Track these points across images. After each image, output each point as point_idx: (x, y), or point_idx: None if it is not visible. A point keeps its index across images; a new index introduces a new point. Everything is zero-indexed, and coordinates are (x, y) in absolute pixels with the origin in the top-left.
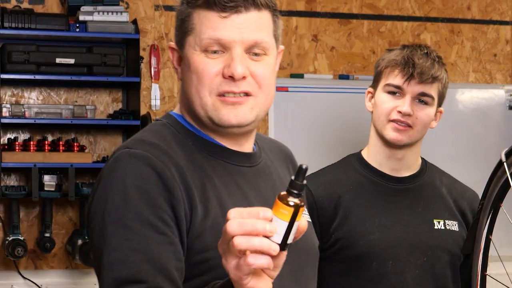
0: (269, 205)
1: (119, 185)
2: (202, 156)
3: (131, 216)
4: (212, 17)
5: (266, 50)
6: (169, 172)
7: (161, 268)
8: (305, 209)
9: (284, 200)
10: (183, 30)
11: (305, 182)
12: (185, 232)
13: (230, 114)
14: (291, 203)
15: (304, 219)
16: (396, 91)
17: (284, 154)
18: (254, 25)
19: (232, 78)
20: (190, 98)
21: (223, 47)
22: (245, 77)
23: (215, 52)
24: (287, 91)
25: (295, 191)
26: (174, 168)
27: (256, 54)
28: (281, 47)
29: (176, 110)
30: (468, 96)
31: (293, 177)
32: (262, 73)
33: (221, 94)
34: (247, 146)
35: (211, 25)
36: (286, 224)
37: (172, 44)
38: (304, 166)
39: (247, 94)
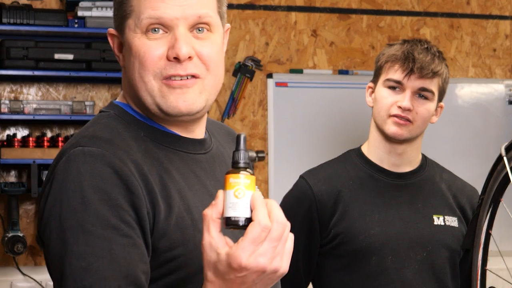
0: None
1: (76, 187)
2: (156, 147)
3: (91, 220)
4: None
5: (211, 26)
6: (128, 170)
7: (127, 273)
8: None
9: (234, 173)
10: (122, 13)
11: (247, 151)
12: (149, 232)
13: (178, 100)
14: (242, 174)
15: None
16: (396, 86)
17: (231, 136)
18: (194, 1)
19: (177, 59)
20: (135, 85)
21: (165, 27)
22: (191, 57)
23: (156, 31)
24: (287, 86)
25: (241, 161)
26: (132, 164)
27: (200, 30)
28: (227, 25)
29: (120, 99)
30: (467, 91)
31: (234, 150)
32: (209, 52)
33: (167, 78)
34: (198, 132)
35: (150, 4)
36: (250, 194)
37: (112, 30)
38: (242, 135)
39: (194, 77)
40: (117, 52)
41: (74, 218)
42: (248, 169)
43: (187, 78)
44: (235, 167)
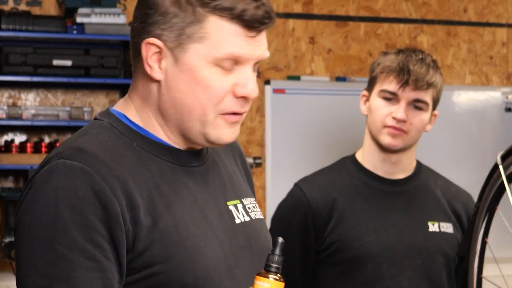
0: (219, 206)
1: (50, 201)
2: (149, 158)
3: (60, 239)
4: (238, 33)
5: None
6: (108, 187)
7: None
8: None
9: (264, 276)
10: (187, 33)
11: (282, 256)
12: (125, 252)
13: (229, 134)
14: (271, 279)
15: None
16: (391, 97)
17: (230, 145)
18: (265, 42)
19: (245, 98)
20: (184, 109)
21: (236, 63)
22: None
23: (228, 65)
24: (284, 93)
25: (274, 265)
26: (115, 180)
27: (253, 70)
28: None
29: (119, 107)
30: (464, 98)
31: (270, 252)
32: (257, 89)
33: (226, 113)
34: (197, 145)
35: (235, 41)
36: None
37: (154, 40)
38: (280, 240)
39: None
40: (151, 62)
41: (43, 233)
42: (278, 274)
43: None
44: (266, 270)
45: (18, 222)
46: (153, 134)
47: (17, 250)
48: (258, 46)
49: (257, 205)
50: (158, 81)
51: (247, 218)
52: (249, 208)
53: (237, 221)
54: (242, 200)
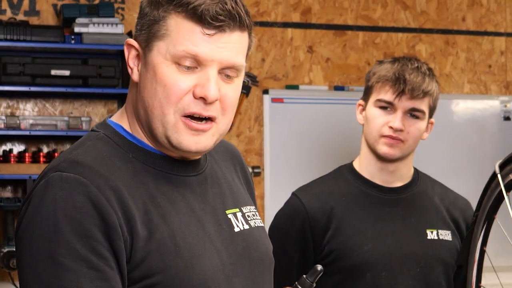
0: (217, 215)
1: (49, 214)
2: (144, 169)
3: (62, 250)
4: (193, 30)
5: (239, 73)
6: (105, 199)
7: None
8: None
9: None
10: (152, 31)
11: (314, 284)
12: (125, 262)
13: (191, 141)
14: None
15: None
16: (387, 106)
17: (230, 153)
18: (234, 47)
19: (203, 99)
20: (149, 109)
21: (198, 63)
22: (216, 100)
23: (187, 65)
24: (283, 102)
25: None
26: (111, 191)
27: (228, 76)
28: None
29: (117, 116)
30: (463, 107)
31: (305, 276)
32: (231, 97)
33: (187, 116)
34: (192, 154)
35: (191, 38)
36: None
37: (131, 41)
38: (319, 268)
39: (210, 119)
40: (132, 64)
41: (45, 246)
42: None
43: (205, 121)
44: None
45: (20, 238)
46: (148, 145)
47: (20, 266)
48: (222, 48)
49: (257, 213)
50: (136, 83)
51: (247, 226)
52: (248, 216)
53: (236, 229)
54: (242, 208)
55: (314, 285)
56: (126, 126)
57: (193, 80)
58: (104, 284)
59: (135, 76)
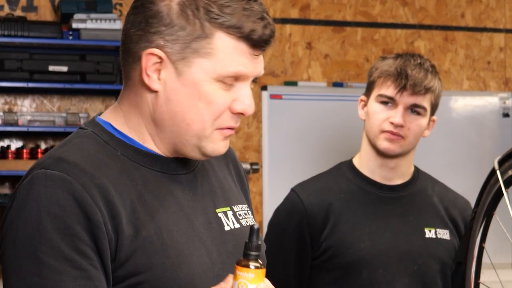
0: (207, 213)
1: (33, 212)
2: (133, 166)
3: (45, 249)
4: (243, 52)
5: None
6: (89, 196)
7: None
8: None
9: (245, 266)
10: (193, 47)
11: (260, 242)
12: (109, 261)
13: (223, 146)
14: (252, 267)
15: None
16: (388, 102)
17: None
18: (262, 58)
19: (241, 114)
20: (183, 122)
21: (236, 79)
22: None
23: (230, 84)
24: (281, 98)
25: (253, 253)
26: (96, 189)
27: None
28: None
29: (105, 116)
30: (462, 104)
31: (247, 240)
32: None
33: (223, 128)
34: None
35: (240, 59)
36: None
37: (157, 51)
38: (256, 226)
39: None
40: (150, 72)
41: (28, 245)
42: (258, 261)
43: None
44: (245, 258)
45: (4, 235)
46: (138, 143)
47: (3, 263)
48: (258, 64)
49: (249, 211)
50: (154, 91)
51: (238, 225)
52: (239, 215)
53: (227, 228)
54: (233, 207)
55: (260, 243)
56: (116, 124)
57: (231, 95)
58: (88, 283)
59: (154, 85)
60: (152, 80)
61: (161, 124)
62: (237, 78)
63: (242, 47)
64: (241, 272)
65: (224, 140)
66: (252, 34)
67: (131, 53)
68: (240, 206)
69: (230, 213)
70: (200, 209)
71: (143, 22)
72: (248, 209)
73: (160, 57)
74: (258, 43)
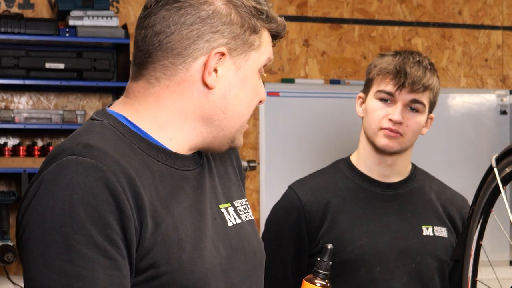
0: (212, 209)
1: (64, 199)
2: (150, 160)
3: (78, 237)
4: (271, 42)
5: None
6: (120, 185)
7: None
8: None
9: (311, 282)
10: (250, 41)
11: (330, 262)
12: (134, 251)
13: (242, 140)
14: (318, 284)
15: None
16: (387, 98)
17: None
18: None
19: (259, 103)
20: (236, 115)
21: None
22: None
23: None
24: (278, 96)
25: (322, 272)
26: (125, 179)
27: None
28: None
29: (116, 108)
30: (459, 101)
31: (319, 258)
32: None
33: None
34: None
35: (270, 48)
36: None
37: (224, 50)
38: (329, 247)
39: None
40: (211, 69)
41: (59, 231)
42: (326, 280)
43: None
44: (314, 275)
45: (28, 220)
46: (151, 137)
47: (26, 249)
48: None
49: (248, 205)
50: (209, 88)
51: (239, 221)
52: (240, 210)
53: (229, 223)
54: (234, 202)
55: (330, 263)
56: (131, 117)
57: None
58: (117, 273)
59: (214, 82)
60: (212, 78)
61: (211, 119)
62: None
63: (269, 39)
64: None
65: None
66: (280, 28)
67: (180, 53)
68: (240, 201)
69: (231, 209)
70: (207, 205)
71: (198, 23)
72: (247, 203)
73: (222, 54)
74: (280, 36)
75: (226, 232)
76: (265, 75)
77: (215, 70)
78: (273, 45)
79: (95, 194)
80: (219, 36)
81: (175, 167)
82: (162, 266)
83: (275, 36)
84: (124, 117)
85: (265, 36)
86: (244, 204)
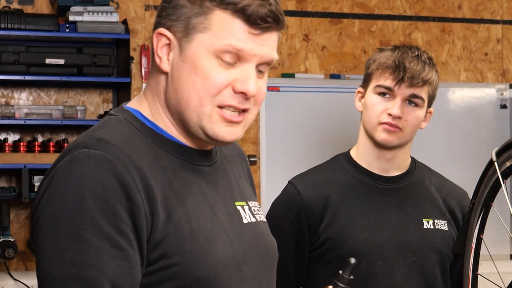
0: (227, 205)
1: (75, 190)
2: (163, 154)
3: (87, 227)
4: (239, 28)
5: (269, 67)
6: (130, 177)
7: (115, 286)
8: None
9: None
10: (192, 23)
11: (352, 277)
12: (145, 242)
13: (226, 132)
14: None
15: None
16: (386, 93)
17: (237, 150)
18: (273, 44)
19: (243, 94)
20: (183, 99)
21: (238, 59)
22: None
23: (229, 60)
24: (279, 91)
25: (343, 286)
26: (136, 171)
27: (260, 71)
28: None
29: (133, 104)
30: (459, 95)
31: (340, 271)
32: (264, 90)
33: (222, 107)
34: (207, 144)
35: (236, 34)
36: None
37: (163, 31)
38: (352, 261)
39: (243, 111)
40: (160, 53)
41: (69, 222)
42: None
43: (239, 113)
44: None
45: (40, 212)
46: (166, 132)
47: (39, 240)
48: (263, 45)
49: (260, 209)
50: (166, 73)
51: (253, 219)
52: (254, 210)
53: (245, 221)
54: (248, 202)
55: (352, 277)
56: (145, 113)
57: (233, 74)
58: (126, 263)
59: (164, 65)
60: (162, 61)
61: (169, 105)
62: (238, 57)
63: (238, 24)
64: None
65: (227, 125)
66: (246, 9)
67: (151, 40)
68: (254, 202)
69: (246, 208)
70: (221, 200)
71: (160, 9)
72: (259, 206)
73: (168, 38)
74: (253, 20)
75: (242, 228)
76: (263, 74)
77: (168, 54)
78: (256, 33)
79: (105, 186)
80: (167, 20)
81: (189, 161)
82: (173, 256)
83: (251, 20)
84: (141, 113)
85: (218, 19)
86: (257, 206)
